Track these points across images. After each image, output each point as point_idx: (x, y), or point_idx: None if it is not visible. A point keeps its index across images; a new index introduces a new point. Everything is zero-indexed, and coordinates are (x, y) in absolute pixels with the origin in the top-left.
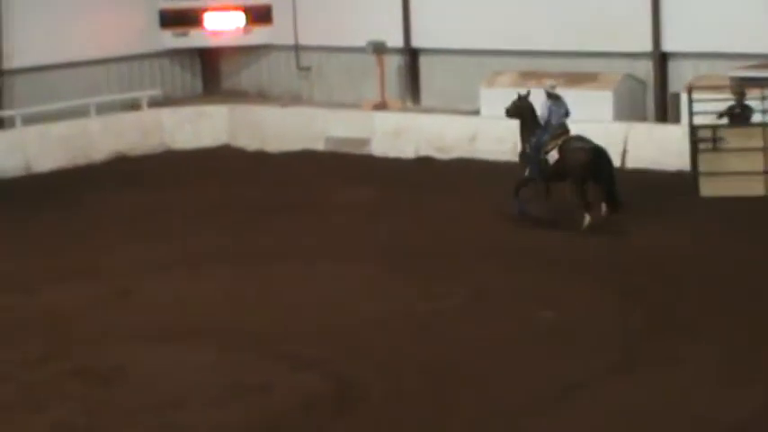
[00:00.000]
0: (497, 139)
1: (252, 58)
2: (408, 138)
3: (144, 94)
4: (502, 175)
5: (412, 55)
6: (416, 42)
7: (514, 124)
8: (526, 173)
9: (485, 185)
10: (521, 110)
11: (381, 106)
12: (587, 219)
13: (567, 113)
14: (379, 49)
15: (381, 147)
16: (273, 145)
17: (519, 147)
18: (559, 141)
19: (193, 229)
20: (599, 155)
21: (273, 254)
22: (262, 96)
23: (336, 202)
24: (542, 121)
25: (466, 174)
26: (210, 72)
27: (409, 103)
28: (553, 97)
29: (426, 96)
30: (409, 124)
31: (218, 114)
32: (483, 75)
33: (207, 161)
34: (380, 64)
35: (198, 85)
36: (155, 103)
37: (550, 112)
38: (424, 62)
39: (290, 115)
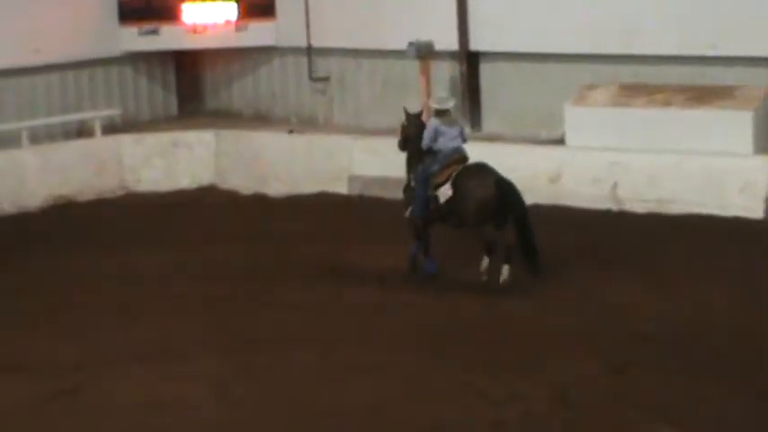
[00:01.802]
0: (591, 180)
1: (247, 66)
2: None
3: (97, 116)
4: (595, 228)
5: (470, 61)
6: (476, 44)
7: (615, 158)
8: (407, 213)
9: (569, 242)
10: (407, 133)
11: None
12: (505, 272)
13: (462, 137)
14: (424, 52)
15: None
16: (277, 187)
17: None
18: (453, 173)
19: (166, 306)
20: (505, 191)
21: (277, 340)
22: (261, 119)
23: (363, 266)
24: (426, 147)
25: (544, 226)
26: (190, 85)
27: (467, 129)
28: (443, 115)
29: (489, 118)
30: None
31: (200, 144)
32: (570, 89)
33: (184, 210)
34: (426, 73)
35: (172, 102)
36: (112, 127)
37: (437, 135)
38: (487, 71)
39: (301, 145)
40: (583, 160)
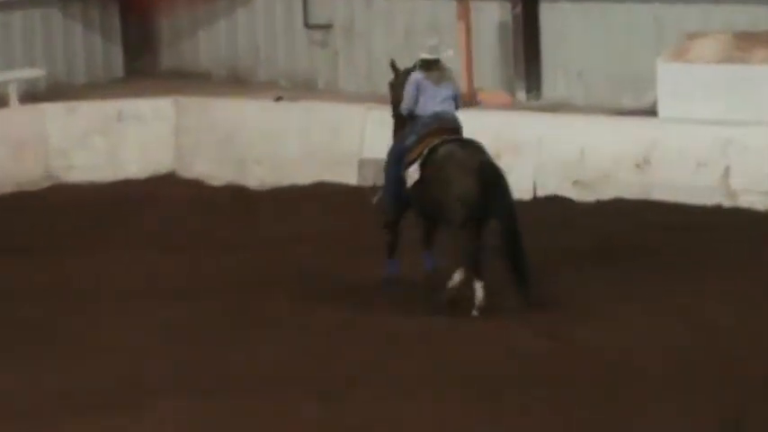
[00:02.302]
0: (695, 164)
1: (220, 9)
2: (520, 160)
3: (13, 78)
4: (698, 229)
5: (527, 1)
6: None
7: (728, 134)
8: (374, 199)
9: (661, 247)
10: (396, 95)
11: (467, 101)
12: (479, 294)
13: (455, 101)
14: None
15: None
16: (260, 175)
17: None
18: (425, 149)
19: (122, 334)
20: (487, 183)
21: (269, 379)
22: (238, 82)
23: (377, 282)
24: (406, 111)
25: (628, 226)
26: (140, 35)
27: (521, 95)
28: (430, 68)
29: (553, 80)
30: (521, 135)
31: (155, 116)
32: (664, 39)
33: (133, 207)
34: (465, 17)
35: (116, 59)
36: (34, 94)
37: (418, 93)
38: (550, 15)
39: (293, 118)
40: (682, 138)
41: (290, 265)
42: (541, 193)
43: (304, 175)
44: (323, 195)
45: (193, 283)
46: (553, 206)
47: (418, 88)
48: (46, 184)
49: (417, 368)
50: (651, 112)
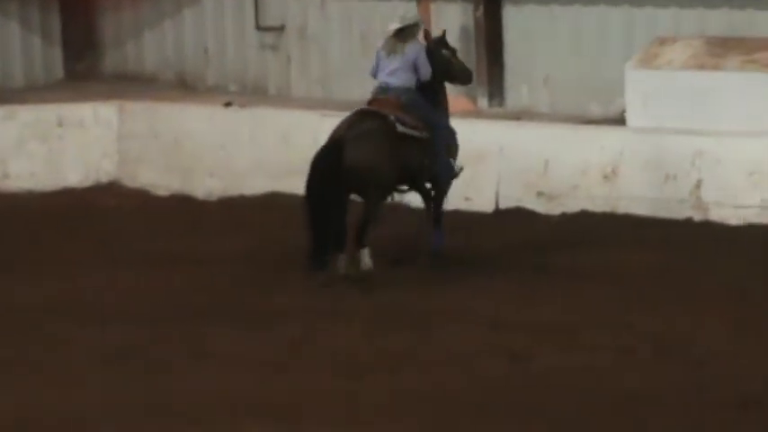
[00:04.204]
0: (663, 176)
1: (166, 9)
2: (481, 170)
3: None
4: (670, 244)
5: (489, 2)
6: None
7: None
8: None
9: (630, 263)
10: None
11: None
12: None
13: (416, 66)
14: None
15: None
16: (208, 185)
17: None
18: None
19: (50, 360)
20: (337, 152)
21: (215, 410)
22: (186, 86)
23: (333, 302)
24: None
25: (596, 239)
26: (82, 35)
27: (483, 102)
28: (391, 38)
29: (516, 87)
30: (482, 144)
31: (96, 122)
32: (633, 44)
33: (73, 218)
34: (424, 20)
35: (56, 60)
36: None
37: (377, 66)
38: (514, 18)
39: (244, 125)
40: (651, 148)
41: (239, 284)
42: (504, 204)
43: (255, 186)
44: (274, 207)
45: (132, 305)
46: (516, 219)
47: (377, 61)
48: None
49: (372, 394)
50: (620, 120)
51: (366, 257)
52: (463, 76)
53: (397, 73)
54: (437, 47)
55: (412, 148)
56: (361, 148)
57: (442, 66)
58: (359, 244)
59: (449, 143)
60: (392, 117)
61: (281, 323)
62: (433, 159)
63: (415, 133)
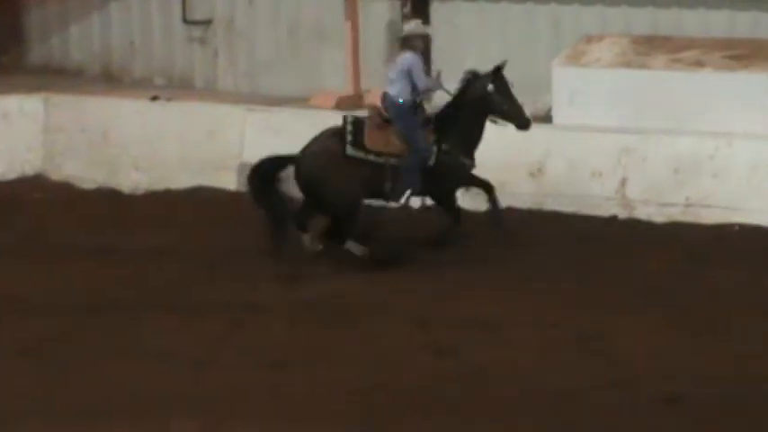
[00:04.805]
0: (589, 174)
1: (93, 2)
2: None
3: None
4: (594, 242)
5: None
6: None
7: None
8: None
9: (556, 263)
10: None
11: (353, 103)
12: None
13: (410, 74)
14: None
15: None
16: (135, 178)
17: None
18: None
19: None
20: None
21: (137, 406)
22: (112, 79)
23: (262, 297)
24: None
25: (522, 237)
26: (6, 27)
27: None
28: (403, 46)
29: (444, 84)
30: None
31: (21, 115)
32: (560, 41)
33: None
34: (353, 16)
35: None
36: None
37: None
38: (442, 15)
39: (170, 119)
40: (577, 145)
41: (164, 278)
42: (430, 200)
43: (180, 180)
44: (200, 201)
45: (55, 298)
46: (442, 215)
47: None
48: None
49: (297, 389)
50: (546, 118)
51: (354, 248)
52: (512, 115)
53: (394, 82)
54: (486, 78)
55: (366, 168)
56: (309, 166)
57: (480, 97)
58: (334, 237)
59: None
60: (349, 138)
61: (206, 318)
62: (396, 180)
63: (369, 158)
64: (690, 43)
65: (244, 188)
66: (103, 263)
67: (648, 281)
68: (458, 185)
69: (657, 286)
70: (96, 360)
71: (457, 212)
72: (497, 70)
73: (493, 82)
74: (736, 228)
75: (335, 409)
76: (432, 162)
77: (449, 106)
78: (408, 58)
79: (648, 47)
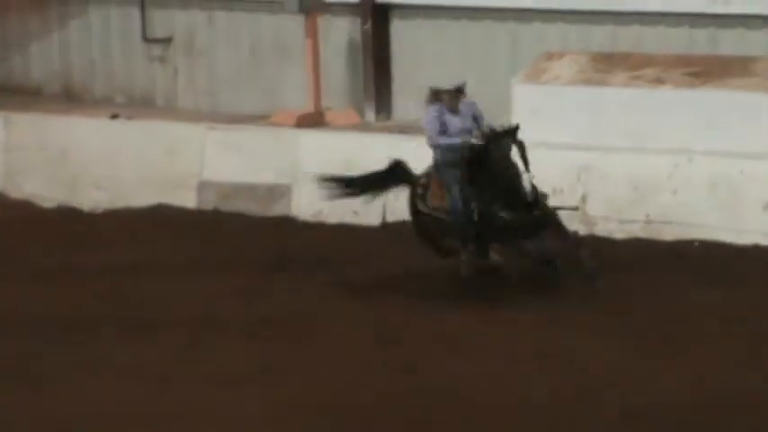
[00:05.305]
0: (550, 191)
1: (52, 20)
2: None
3: None
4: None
5: (377, 16)
6: None
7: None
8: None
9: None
10: None
11: (314, 121)
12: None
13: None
14: (310, 3)
15: (311, 203)
16: (94, 197)
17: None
18: None
19: None
20: None
21: (98, 421)
22: (72, 98)
23: (221, 314)
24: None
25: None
26: None
27: (370, 116)
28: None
29: (403, 100)
30: (371, 158)
31: None
32: (520, 58)
33: None
34: (313, 33)
35: None
36: None
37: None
38: (401, 32)
39: (130, 137)
40: (537, 162)
41: (124, 295)
42: (391, 218)
43: (140, 198)
44: (160, 219)
45: (14, 316)
46: (402, 232)
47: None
48: None
49: (255, 405)
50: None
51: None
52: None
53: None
54: (506, 137)
55: (431, 221)
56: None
57: (504, 156)
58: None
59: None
60: (419, 191)
61: (166, 334)
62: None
63: (432, 213)
64: (649, 60)
65: (205, 206)
66: (63, 281)
67: (609, 295)
68: (508, 237)
69: (618, 300)
70: (57, 378)
71: (538, 260)
72: (514, 130)
73: (514, 143)
74: (696, 244)
75: (293, 425)
76: (476, 217)
77: (472, 162)
78: (429, 110)
79: (608, 64)
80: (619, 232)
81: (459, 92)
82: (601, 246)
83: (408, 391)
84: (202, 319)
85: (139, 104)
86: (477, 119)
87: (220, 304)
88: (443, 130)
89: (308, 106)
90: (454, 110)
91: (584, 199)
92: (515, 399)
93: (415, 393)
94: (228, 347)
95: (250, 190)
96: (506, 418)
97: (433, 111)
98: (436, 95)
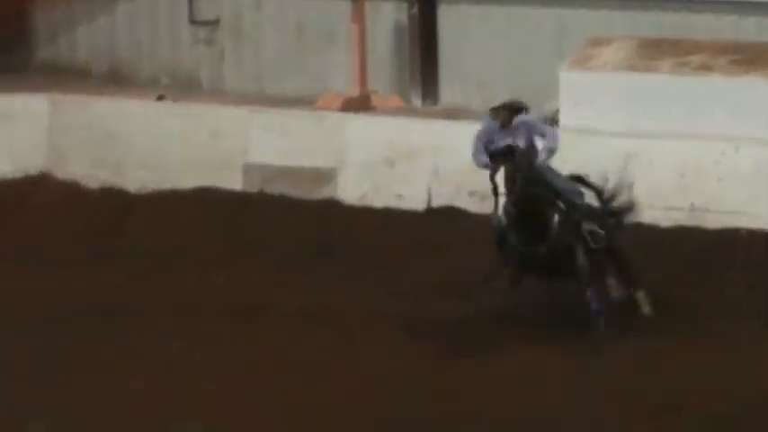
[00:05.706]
0: (597, 178)
1: (100, 2)
2: (415, 169)
3: None
4: None
5: (424, 1)
6: None
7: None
8: None
9: None
10: None
11: (359, 105)
12: None
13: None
14: None
15: (358, 186)
16: (140, 177)
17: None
18: None
19: None
20: None
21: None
22: (118, 79)
23: (272, 303)
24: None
25: None
26: (11, 27)
27: (416, 101)
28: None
29: (450, 86)
30: (417, 143)
31: (26, 114)
32: (566, 45)
33: (1, 209)
34: (359, 18)
35: None
36: None
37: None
38: (448, 17)
39: (176, 119)
40: (584, 149)
41: (166, 284)
42: (436, 203)
43: (186, 180)
44: (205, 202)
45: (54, 308)
46: (447, 217)
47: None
48: None
49: (281, 401)
50: (553, 121)
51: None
52: None
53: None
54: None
55: None
56: None
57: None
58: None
59: None
60: None
61: (210, 323)
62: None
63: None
64: (696, 47)
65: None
66: (100, 265)
67: (653, 286)
68: (522, 270)
69: (663, 292)
70: (94, 369)
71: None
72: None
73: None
74: (742, 232)
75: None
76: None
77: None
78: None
79: (655, 50)
80: (664, 220)
81: (511, 109)
82: (645, 233)
83: (440, 388)
84: (246, 306)
85: (185, 86)
86: (531, 138)
87: (264, 291)
88: (487, 149)
89: (353, 90)
90: (505, 127)
91: (630, 187)
92: (548, 400)
93: (447, 391)
94: (272, 336)
95: (295, 173)
96: (540, 419)
97: (481, 128)
98: (495, 112)
